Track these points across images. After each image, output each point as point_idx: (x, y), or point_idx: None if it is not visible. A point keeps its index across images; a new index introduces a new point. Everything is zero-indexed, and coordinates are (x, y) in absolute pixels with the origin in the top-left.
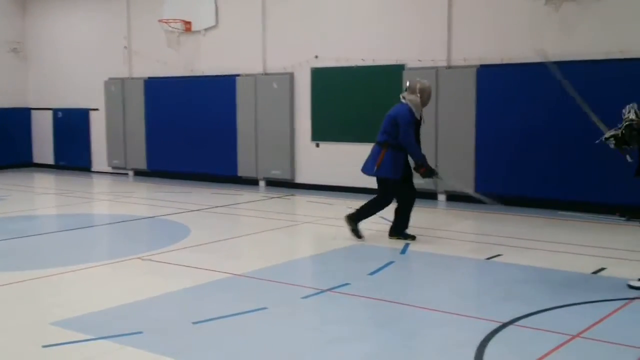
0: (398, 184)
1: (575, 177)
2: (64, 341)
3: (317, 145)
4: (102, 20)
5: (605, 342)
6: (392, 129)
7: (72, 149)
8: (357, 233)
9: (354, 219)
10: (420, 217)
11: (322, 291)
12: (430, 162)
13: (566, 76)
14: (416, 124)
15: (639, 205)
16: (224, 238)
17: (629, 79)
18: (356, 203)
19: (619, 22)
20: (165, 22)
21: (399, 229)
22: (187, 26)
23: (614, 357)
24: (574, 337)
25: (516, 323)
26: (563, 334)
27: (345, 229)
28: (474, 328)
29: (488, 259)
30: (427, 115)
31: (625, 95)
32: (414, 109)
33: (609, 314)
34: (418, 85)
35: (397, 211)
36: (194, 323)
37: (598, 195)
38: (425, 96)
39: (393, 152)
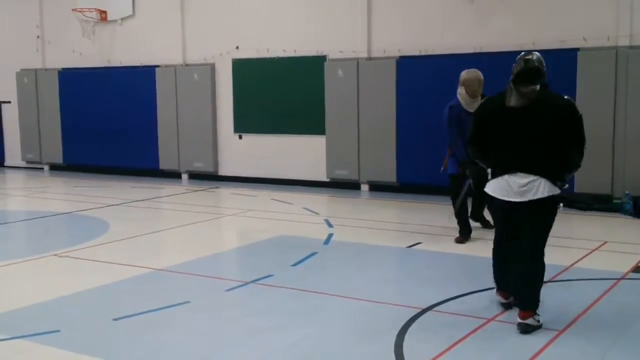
0: (454, 179)
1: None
2: None
3: (240, 137)
4: (13, 9)
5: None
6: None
7: None
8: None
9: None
10: (342, 206)
11: (246, 283)
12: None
13: (481, 67)
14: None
15: None
16: (146, 232)
17: None
18: (280, 195)
19: (532, 14)
20: (80, 11)
21: (475, 214)
22: (103, 15)
23: (528, 340)
24: (489, 320)
25: (435, 309)
26: (479, 317)
27: (268, 221)
28: (395, 315)
29: (409, 247)
30: (351, 107)
31: None
32: (463, 103)
33: None
34: (461, 77)
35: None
36: (114, 319)
37: None
38: (470, 87)
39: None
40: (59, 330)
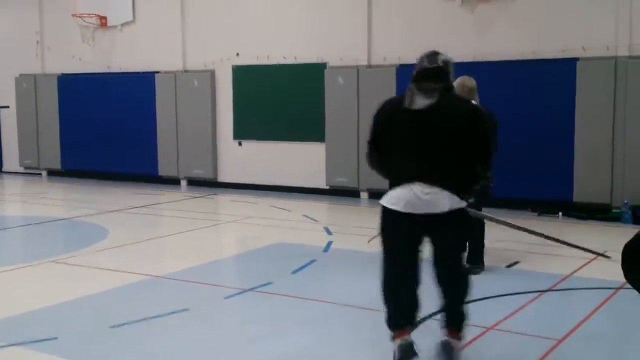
0: None
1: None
2: None
3: (240, 144)
4: (12, 13)
5: (518, 333)
6: None
7: None
8: None
9: None
10: (342, 214)
11: (245, 291)
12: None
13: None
14: None
15: (550, 201)
16: (144, 239)
17: (541, 80)
18: (279, 202)
19: (532, 23)
20: (79, 17)
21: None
22: (103, 21)
23: (527, 348)
24: (488, 329)
25: (434, 317)
26: (478, 326)
27: (268, 229)
28: None
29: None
30: (351, 114)
31: (537, 95)
32: None
33: (522, 306)
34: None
35: None
36: (111, 327)
37: (510, 191)
38: None
39: None
40: (56, 338)
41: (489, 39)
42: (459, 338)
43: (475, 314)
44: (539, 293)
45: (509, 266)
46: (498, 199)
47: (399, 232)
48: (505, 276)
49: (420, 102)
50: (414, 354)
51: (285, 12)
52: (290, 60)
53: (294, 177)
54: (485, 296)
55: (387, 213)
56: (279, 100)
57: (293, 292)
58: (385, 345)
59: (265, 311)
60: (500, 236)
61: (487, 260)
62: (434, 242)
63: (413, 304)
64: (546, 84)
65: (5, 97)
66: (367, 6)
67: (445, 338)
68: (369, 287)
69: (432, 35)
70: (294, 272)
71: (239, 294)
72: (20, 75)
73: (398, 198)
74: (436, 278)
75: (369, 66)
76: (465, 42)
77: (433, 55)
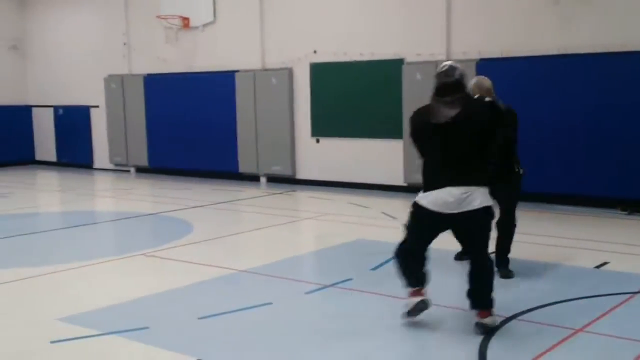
0: None
1: (576, 171)
2: (71, 337)
3: (317, 141)
4: (101, 17)
5: (608, 336)
6: None
7: (74, 146)
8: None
9: None
10: None
11: (325, 287)
12: None
13: (566, 69)
14: None
15: None
16: (227, 234)
17: (630, 73)
18: (357, 199)
19: (619, 15)
20: (164, 18)
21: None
22: (185, 22)
23: (617, 352)
24: (577, 331)
25: (519, 317)
26: (566, 328)
27: (346, 225)
28: None
29: (492, 253)
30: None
31: (625, 89)
32: None
33: (612, 308)
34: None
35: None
36: (199, 318)
37: (599, 189)
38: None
39: None
40: (147, 327)
41: (574, 31)
42: (489, 314)
43: (564, 315)
44: (629, 295)
45: (597, 267)
46: (586, 197)
47: (426, 225)
48: (594, 277)
49: (445, 113)
50: (421, 309)
51: (361, 8)
52: (367, 57)
53: (371, 174)
54: (573, 297)
55: (419, 207)
56: (356, 97)
57: (373, 288)
58: (468, 344)
59: (346, 307)
60: (588, 236)
61: (576, 260)
62: (464, 235)
63: (423, 274)
64: (635, 78)
65: (95, 97)
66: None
67: (477, 320)
68: (450, 285)
69: (514, 27)
70: (374, 268)
71: (319, 289)
72: (109, 75)
73: (430, 200)
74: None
75: (449, 60)
76: (548, 35)
77: (451, 69)
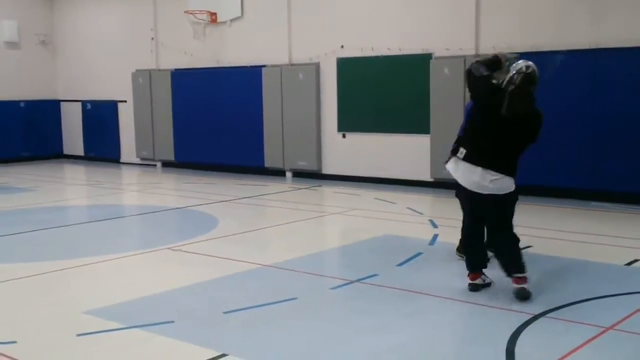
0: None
1: (608, 167)
2: (98, 330)
3: (344, 136)
4: (129, 12)
5: (638, 334)
6: None
7: (101, 140)
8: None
9: None
10: (447, 207)
11: (351, 282)
12: None
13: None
14: None
15: None
16: (252, 229)
17: None
18: (383, 194)
19: None
20: (191, 13)
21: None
22: (213, 17)
23: None
24: (606, 329)
25: (548, 315)
26: (596, 326)
27: (372, 221)
28: (505, 320)
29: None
30: (457, 105)
31: None
32: None
33: None
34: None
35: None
36: (224, 313)
37: (632, 185)
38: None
39: None
40: (173, 321)
41: (605, 25)
42: (523, 280)
43: (593, 313)
44: None
45: (628, 264)
46: (618, 194)
47: (466, 199)
48: (624, 274)
49: (520, 108)
50: (481, 287)
51: (389, 2)
52: (394, 52)
53: (397, 170)
54: (602, 295)
55: (458, 184)
56: (383, 92)
57: (399, 284)
58: (495, 342)
59: (372, 303)
60: (619, 232)
61: (605, 257)
62: (491, 213)
63: (479, 258)
64: None
65: (123, 92)
66: None
67: (514, 286)
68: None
69: (545, 21)
70: (400, 264)
71: (345, 285)
72: (137, 70)
73: (460, 176)
74: (490, 240)
75: (477, 55)
76: (579, 29)
77: (535, 74)
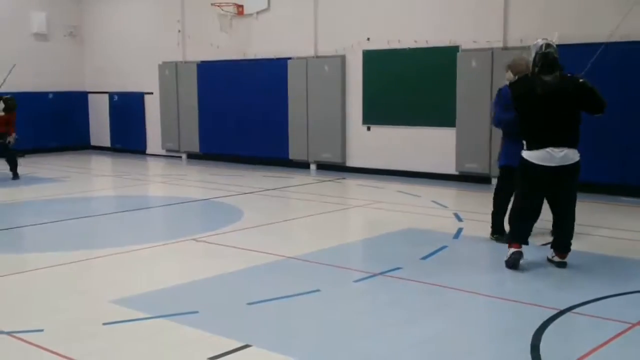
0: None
1: (635, 161)
2: (123, 319)
3: (369, 129)
4: (156, 4)
5: None
6: None
7: (128, 132)
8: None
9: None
10: (472, 200)
11: (374, 275)
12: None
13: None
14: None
15: None
16: (276, 221)
17: None
18: (407, 187)
19: None
20: (218, 6)
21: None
22: (240, 9)
23: None
24: (633, 325)
25: (573, 310)
26: (622, 322)
27: (396, 214)
28: (530, 315)
29: (543, 245)
30: (483, 99)
31: None
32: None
33: None
34: (508, 63)
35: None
36: (248, 304)
37: None
38: (517, 68)
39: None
40: (197, 312)
41: (635, 16)
42: (564, 257)
43: (621, 309)
44: None
45: None
46: None
47: (535, 179)
48: None
49: (547, 86)
50: (519, 259)
51: None
52: (421, 44)
53: (422, 163)
54: (630, 291)
55: (527, 164)
56: (409, 85)
57: (423, 278)
58: (520, 337)
59: (395, 296)
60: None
61: (634, 253)
62: (559, 187)
63: (526, 232)
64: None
65: (149, 83)
66: None
67: (556, 259)
68: (502, 276)
69: (572, 14)
70: (424, 257)
71: (368, 277)
72: (163, 62)
73: (536, 156)
74: (556, 213)
75: (505, 48)
76: (606, 21)
77: (548, 47)
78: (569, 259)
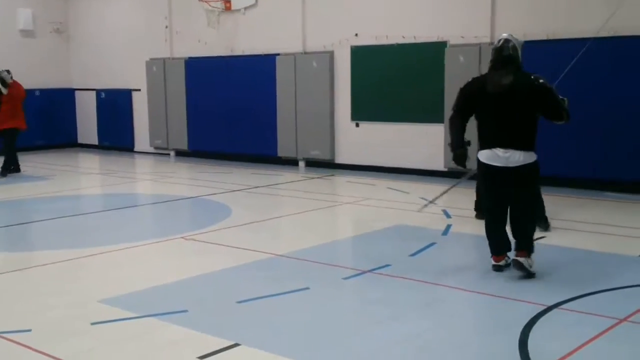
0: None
1: (622, 156)
2: (112, 318)
3: (357, 125)
4: (143, 1)
5: None
6: None
7: (115, 129)
8: None
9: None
10: (461, 197)
11: (363, 272)
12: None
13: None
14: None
15: None
16: (265, 218)
17: None
18: (396, 184)
19: None
20: (206, 1)
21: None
22: (227, 5)
23: None
24: (620, 321)
25: (561, 307)
26: (609, 317)
27: (385, 210)
28: (518, 311)
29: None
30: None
31: None
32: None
33: None
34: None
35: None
36: (237, 302)
37: None
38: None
39: None
40: (186, 310)
41: (623, 12)
42: (525, 255)
43: (607, 304)
44: None
45: None
46: (633, 183)
47: (489, 178)
48: (638, 265)
49: (499, 84)
50: (501, 269)
51: None
52: (409, 40)
53: (411, 159)
54: (616, 286)
55: (481, 164)
56: (397, 81)
57: (412, 274)
58: (508, 333)
59: (385, 293)
60: (634, 223)
61: (620, 248)
62: (512, 186)
63: (502, 242)
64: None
65: (137, 80)
66: None
67: (514, 257)
68: (490, 272)
69: (560, 9)
70: (413, 254)
71: (357, 275)
72: (151, 59)
73: (486, 156)
74: (510, 212)
75: (492, 43)
76: (596, 17)
77: (505, 43)
78: (557, 255)
